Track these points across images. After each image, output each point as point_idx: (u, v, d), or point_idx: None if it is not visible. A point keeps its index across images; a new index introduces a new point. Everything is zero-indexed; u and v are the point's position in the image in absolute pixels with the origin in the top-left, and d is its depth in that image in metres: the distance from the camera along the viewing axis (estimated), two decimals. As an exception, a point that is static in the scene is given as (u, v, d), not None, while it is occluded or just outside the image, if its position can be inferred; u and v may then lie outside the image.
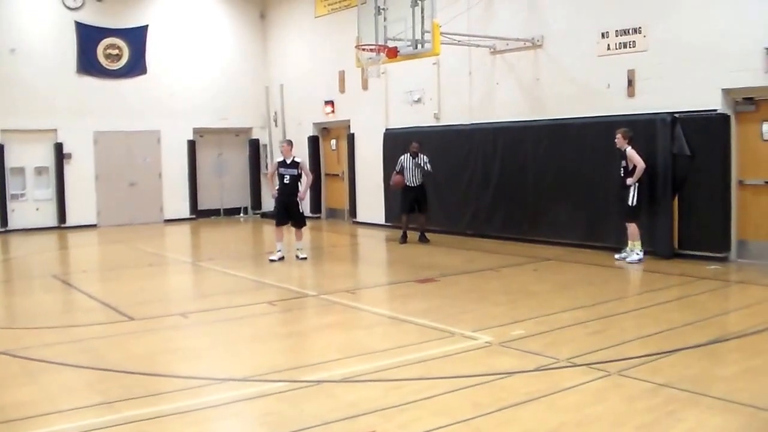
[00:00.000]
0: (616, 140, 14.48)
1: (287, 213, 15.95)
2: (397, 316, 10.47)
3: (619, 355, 7.97)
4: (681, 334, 8.97)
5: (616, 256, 14.75)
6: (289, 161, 15.75)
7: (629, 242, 14.53)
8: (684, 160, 14.37)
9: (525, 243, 17.12)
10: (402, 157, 18.30)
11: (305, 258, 15.84)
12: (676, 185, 14.54)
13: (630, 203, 14.38)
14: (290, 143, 16.33)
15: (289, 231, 16.23)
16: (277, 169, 15.86)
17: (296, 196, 15.82)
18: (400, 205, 18.90)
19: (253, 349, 9.15)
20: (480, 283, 13.06)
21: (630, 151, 14.28)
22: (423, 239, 18.40)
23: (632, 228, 14.49)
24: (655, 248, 14.58)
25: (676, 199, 14.61)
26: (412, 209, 18.31)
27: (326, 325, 10.46)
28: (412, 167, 18.01)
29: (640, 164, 14.16)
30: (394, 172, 18.40)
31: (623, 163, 14.44)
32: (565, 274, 13.84)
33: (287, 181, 15.71)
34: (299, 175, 15.80)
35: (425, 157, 18.06)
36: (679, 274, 13.19)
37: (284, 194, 15.81)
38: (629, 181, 14.28)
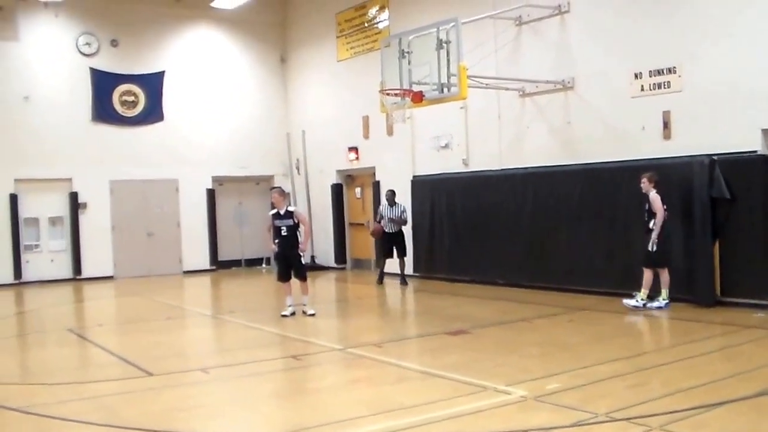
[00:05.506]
0: (641, 184, 14.46)
1: (289, 266, 15.64)
2: (427, 371, 10.39)
3: (661, 409, 7.87)
4: (725, 386, 8.86)
5: (624, 301, 14.72)
6: (282, 212, 15.43)
7: (642, 289, 14.46)
8: (724, 203, 14.30)
9: (559, 292, 17.00)
10: (381, 206, 20.58)
11: (313, 314, 15.45)
12: (717, 229, 14.45)
13: (650, 248, 14.34)
14: (281, 192, 15.99)
15: (296, 284, 15.79)
16: (273, 222, 15.54)
17: (297, 248, 15.51)
18: (381, 251, 20.89)
19: (277, 406, 9.15)
20: (513, 335, 13.00)
21: (653, 195, 14.27)
22: (403, 282, 20.18)
23: (647, 275, 14.41)
24: (695, 296, 14.45)
25: (717, 244, 14.52)
26: (391, 254, 20.24)
27: (353, 381, 10.43)
28: (390, 216, 20.01)
29: (660, 212, 14.16)
30: (375, 221, 20.69)
31: (646, 206, 14.44)
32: (601, 324, 13.74)
33: (285, 233, 15.31)
34: (296, 225, 15.46)
35: (402, 206, 20.25)
36: (721, 322, 13.06)
37: (284, 247, 15.45)
38: (652, 226, 14.24)
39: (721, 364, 10.37)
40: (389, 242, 20.17)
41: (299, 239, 15.59)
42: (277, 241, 15.51)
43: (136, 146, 25.09)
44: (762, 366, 10.12)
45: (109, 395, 9.71)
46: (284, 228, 15.35)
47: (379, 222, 20.18)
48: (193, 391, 9.99)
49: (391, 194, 20.26)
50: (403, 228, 20.17)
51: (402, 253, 20.17)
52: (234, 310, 17.51)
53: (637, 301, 14.44)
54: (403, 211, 20.09)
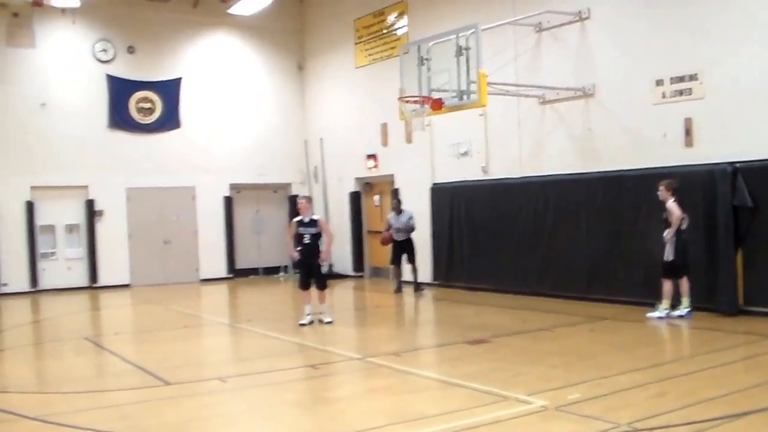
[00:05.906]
0: (659, 193, 14.47)
1: (310, 274, 15.74)
2: (446, 380, 10.41)
3: (683, 420, 7.88)
4: (748, 396, 8.84)
5: (648, 315, 14.71)
6: (307, 220, 15.53)
7: (663, 299, 14.54)
8: (746, 211, 14.28)
9: (580, 301, 16.98)
10: (389, 215, 20.83)
11: (330, 322, 15.54)
12: (739, 238, 14.43)
13: (665, 258, 14.39)
14: (309, 199, 16.22)
15: (315, 292, 15.86)
16: (297, 229, 15.62)
17: (318, 257, 15.64)
18: (391, 258, 20.99)
19: (295, 416, 9.16)
20: (534, 344, 12.99)
21: (671, 204, 14.26)
22: (417, 289, 20.53)
23: (667, 285, 14.47)
24: (717, 305, 14.44)
25: (740, 252, 14.49)
26: (399, 261, 20.58)
27: (372, 390, 10.46)
28: (397, 226, 20.30)
29: (675, 221, 14.14)
30: (384, 230, 20.81)
31: (663, 215, 14.45)
32: (622, 334, 13.73)
33: (308, 241, 15.43)
34: (319, 234, 15.59)
35: (409, 213, 20.40)
36: (744, 332, 13.05)
37: (306, 255, 15.55)
38: (666, 234, 14.31)
39: (744, 374, 10.35)
40: (398, 250, 20.47)
41: (321, 248, 15.69)
42: (299, 248, 15.60)
43: (152, 153, 25.23)
44: (786, 376, 10.12)
45: (126, 404, 9.77)
46: (307, 236, 15.45)
47: (388, 230, 20.38)
48: (211, 400, 10.01)
49: (397, 203, 20.68)
50: (415, 235, 20.24)
51: (411, 260, 20.36)
52: (251, 318, 17.59)
53: (660, 312, 14.45)
54: (410, 218, 20.26)
